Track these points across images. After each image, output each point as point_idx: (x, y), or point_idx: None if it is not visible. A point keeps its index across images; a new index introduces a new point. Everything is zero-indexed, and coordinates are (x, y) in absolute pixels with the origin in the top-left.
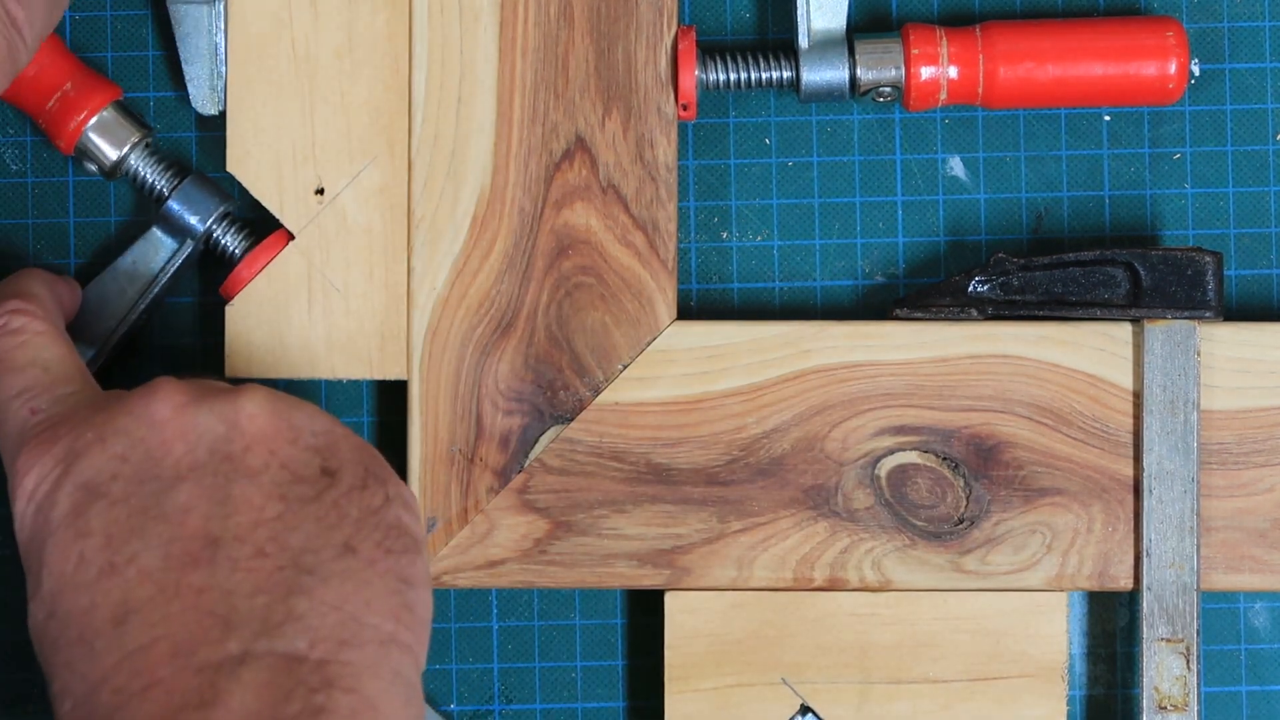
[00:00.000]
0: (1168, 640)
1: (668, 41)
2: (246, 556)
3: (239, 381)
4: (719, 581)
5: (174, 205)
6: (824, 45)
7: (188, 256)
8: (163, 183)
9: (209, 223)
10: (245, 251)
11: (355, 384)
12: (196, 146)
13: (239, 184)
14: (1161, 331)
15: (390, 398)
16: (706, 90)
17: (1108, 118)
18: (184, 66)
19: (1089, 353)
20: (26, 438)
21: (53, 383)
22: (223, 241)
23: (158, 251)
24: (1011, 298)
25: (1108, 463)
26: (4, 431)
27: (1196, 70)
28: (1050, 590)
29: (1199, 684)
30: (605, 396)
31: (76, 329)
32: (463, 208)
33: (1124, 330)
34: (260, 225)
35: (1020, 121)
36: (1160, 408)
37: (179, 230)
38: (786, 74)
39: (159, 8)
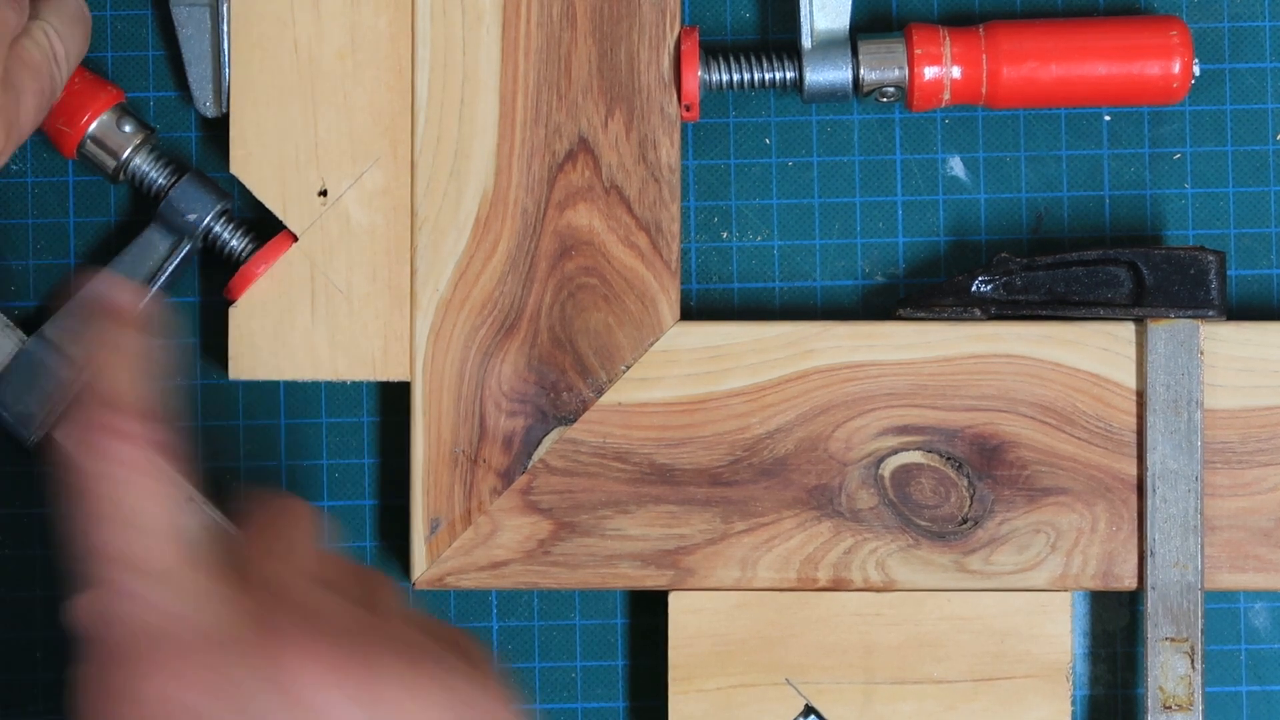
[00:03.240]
0: (1172, 640)
1: (670, 42)
2: None
3: (243, 383)
4: (723, 582)
5: (172, 203)
6: (827, 45)
7: (185, 254)
8: (161, 181)
9: (207, 221)
10: (245, 250)
11: (358, 385)
12: (197, 146)
13: (241, 185)
14: (1165, 331)
15: (393, 399)
16: (709, 91)
17: (1108, 118)
18: (187, 68)
19: (1092, 352)
20: (140, 646)
21: (151, 554)
22: (221, 239)
23: (156, 250)
24: (1014, 297)
25: (1111, 462)
26: (102, 611)
27: (1197, 70)
28: (1054, 590)
29: (1203, 684)
30: (608, 397)
31: (76, 327)
32: (466, 209)
33: (1127, 330)
34: (260, 225)
35: (1020, 121)
36: (1164, 407)
37: (177, 228)
38: (789, 74)
39: (159, 8)
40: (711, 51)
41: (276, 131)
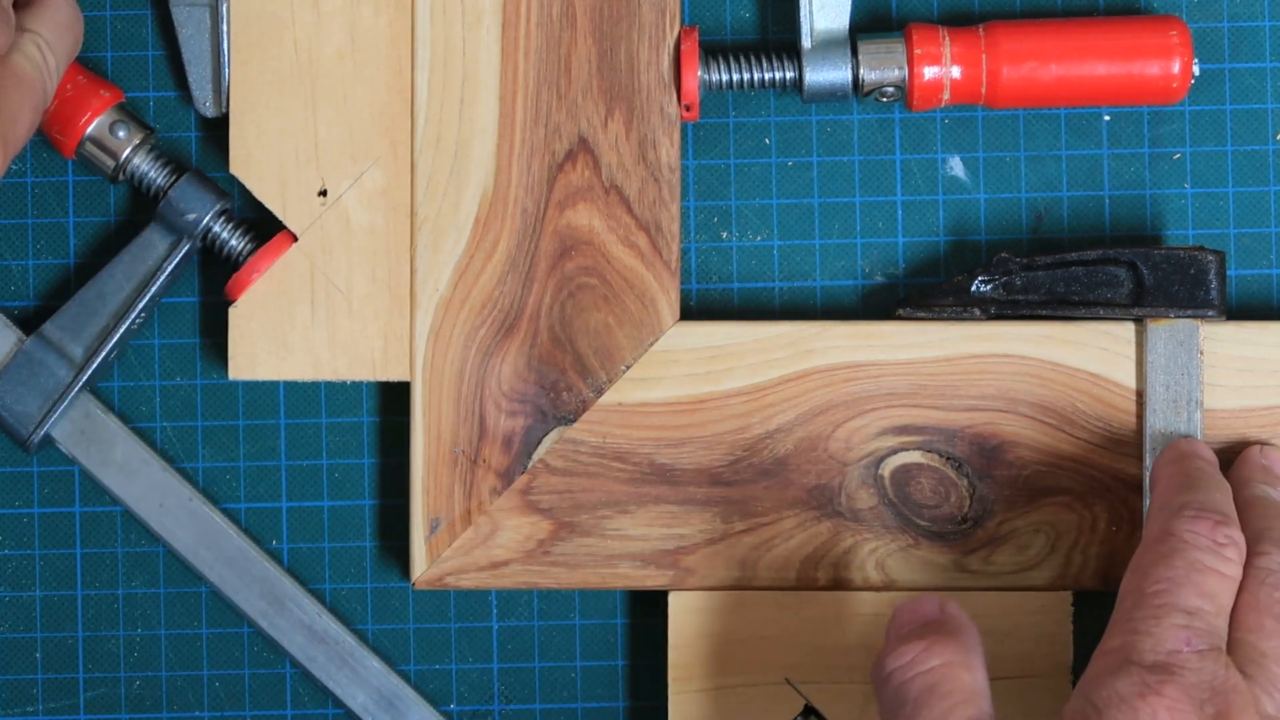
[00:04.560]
0: None
1: (670, 42)
2: None
3: (243, 383)
4: (722, 582)
5: (171, 203)
6: (826, 45)
7: (185, 254)
8: (160, 181)
9: (206, 220)
10: (244, 250)
11: (357, 385)
12: (197, 146)
13: (241, 185)
14: (1164, 330)
15: (393, 399)
16: (709, 91)
17: (1108, 118)
18: (186, 69)
19: (1092, 352)
20: None
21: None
22: (221, 239)
23: (155, 249)
24: (1014, 297)
25: (1111, 462)
26: None
27: (1197, 70)
28: (1054, 590)
29: None
30: (608, 397)
31: (75, 327)
32: (465, 209)
33: (1127, 329)
34: (260, 225)
35: (1020, 121)
36: (1163, 407)
37: (176, 228)
38: (789, 74)
39: (159, 8)
40: (711, 51)
41: (276, 131)
